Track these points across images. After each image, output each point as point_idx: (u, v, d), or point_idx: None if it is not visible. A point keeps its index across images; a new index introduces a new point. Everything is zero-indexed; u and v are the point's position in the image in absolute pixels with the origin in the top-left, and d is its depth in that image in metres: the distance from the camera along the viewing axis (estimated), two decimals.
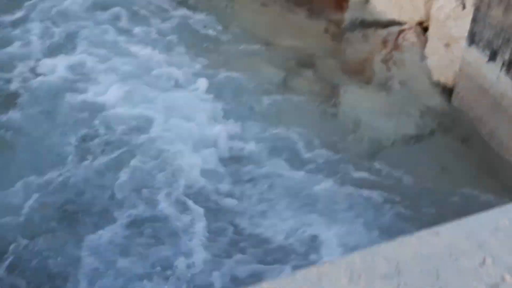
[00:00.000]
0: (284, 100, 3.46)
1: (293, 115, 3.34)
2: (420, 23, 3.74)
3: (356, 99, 3.45)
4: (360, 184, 2.80)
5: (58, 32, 4.04)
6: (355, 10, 4.13)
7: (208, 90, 3.48)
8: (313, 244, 2.43)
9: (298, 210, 2.62)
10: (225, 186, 2.76)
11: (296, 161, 2.96)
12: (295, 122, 3.24)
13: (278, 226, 2.52)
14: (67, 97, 3.39)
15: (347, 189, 2.77)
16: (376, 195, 2.71)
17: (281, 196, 2.69)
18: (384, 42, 3.80)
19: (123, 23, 4.14)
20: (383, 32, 3.85)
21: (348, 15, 4.15)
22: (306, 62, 3.84)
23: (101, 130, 3.12)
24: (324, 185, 2.78)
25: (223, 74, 3.64)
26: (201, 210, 2.59)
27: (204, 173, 2.81)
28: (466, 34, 3.18)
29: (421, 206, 2.64)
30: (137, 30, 4.07)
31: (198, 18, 4.24)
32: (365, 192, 2.73)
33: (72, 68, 3.66)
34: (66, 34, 4.04)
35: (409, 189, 2.78)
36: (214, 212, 2.60)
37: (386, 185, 2.80)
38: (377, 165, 2.94)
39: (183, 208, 2.59)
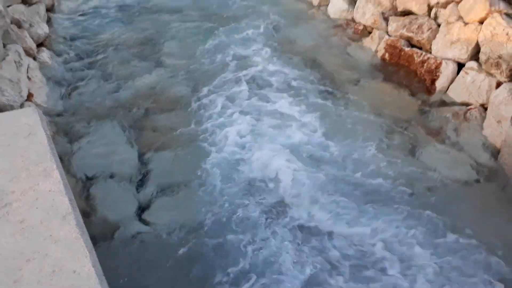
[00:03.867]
0: (381, 149, 4.74)
1: (385, 160, 4.57)
2: (482, 105, 5.03)
3: (433, 152, 4.75)
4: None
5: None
6: (439, 94, 5.54)
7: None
8: None
9: None
10: None
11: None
12: (384, 163, 4.51)
13: None
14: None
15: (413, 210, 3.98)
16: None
17: None
18: (456, 116, 5.17)
19: None
20: (456, 109, 5.23)
21: (434, 97, 5.54)
22: (401, 126, 5.09)
23: None
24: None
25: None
26: None
27: None
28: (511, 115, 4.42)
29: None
30: None
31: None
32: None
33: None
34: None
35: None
36: None
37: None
38: (433, 199, 4.16)
39: None
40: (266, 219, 3.86)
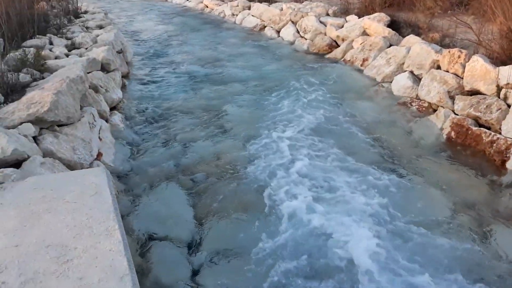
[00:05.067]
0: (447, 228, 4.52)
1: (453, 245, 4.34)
2: None
3: (504, 237, 4.42)
4: None
5: None
6: (510, 175, 5.26)
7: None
8: None
9: None
10: None
11: None
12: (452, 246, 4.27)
13: None
14: None
15: None
16: None
17: None
18: None
19: None
20: None
21: (505, 179, 5.26)
22: (469, 206, 4.88)
23: None
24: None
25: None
26: None
27: None
28: None
29: None
30: None
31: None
32: None
33: None
34: None
35: None
36: None
37: None
38: None
39: None
40: None
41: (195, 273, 4.00)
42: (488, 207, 4.95)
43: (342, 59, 9.91)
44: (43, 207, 2.84)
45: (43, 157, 4.17)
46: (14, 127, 4.32)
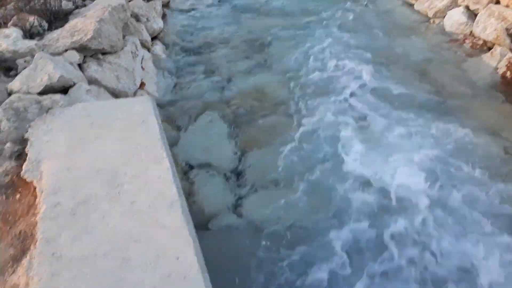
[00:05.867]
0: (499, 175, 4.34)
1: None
2: None
3: None
4: None
5: None
6: None
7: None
8: None
9: None
10: None
11: None
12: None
13: None
14: None
15: None
16: None
17: None
18: None
19: None
20: None
21: None
22: None
23: None
24: None
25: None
26: None
27: None
28: None
29: None
30: None
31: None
32: None
33: None
34: None
35: None
36: None
37: None
38: None
39: None
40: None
41: (237, 201, 4.05)
42: None
43: None
44: (92, 133, 2.87)
45: (88, 84, 4.19)
46: (59, 54, 4.32)
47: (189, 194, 4.02)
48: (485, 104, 5.56)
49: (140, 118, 3.03)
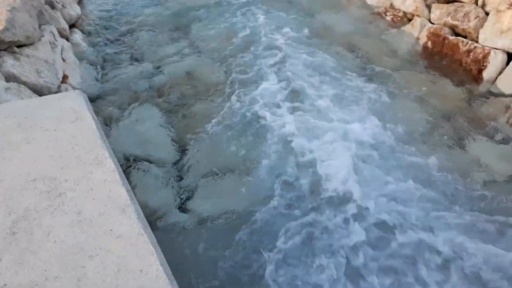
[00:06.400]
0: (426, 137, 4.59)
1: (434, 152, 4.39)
2: None
3: (481, 146, 4.52)
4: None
5: None
6: (486, 84, 5.32)
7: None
8: None
9: None
10: None
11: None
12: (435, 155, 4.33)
13: None
14: None
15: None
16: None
17: None
18: (506, 108, 4.96)
19: None
20: (505, 100, 5.05)
21: (481, 88, 5.33)
22: (446, 115, 4.92)
23: None
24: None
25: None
26: None
27: None
28: None
29: None
30: None
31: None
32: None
33: None
34: None
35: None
36: None
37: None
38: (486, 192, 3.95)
39: None
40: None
41: (180, 195, 3.88)
42: (465, 117, 4.99)
43: None
44: (20, 136, 2.59)
45: (6, 82, 3.81)
46: None
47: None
48: (409, 74, 5.77)
49: (73, 115, 2.77)
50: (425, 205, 3.82)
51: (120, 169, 2.29)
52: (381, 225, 3.61)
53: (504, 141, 4.66)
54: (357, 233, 3.48)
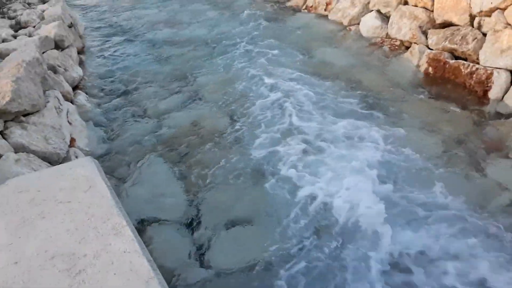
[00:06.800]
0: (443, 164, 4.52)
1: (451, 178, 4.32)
2: None
3: (498, 167, 4.46)
4: None
5: None
6: (493, 104, 5.33)
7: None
8: None
9: None
10: None
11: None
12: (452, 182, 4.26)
13: None
14: None
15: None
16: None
17: None
18: None
19: None
20: None
21: (489, 108, 5.32)
22: (458, 140, 4.89)
23: None
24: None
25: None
26: None
27: None
28: None
29: None
30: None
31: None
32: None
33: None
34: None
35: None
36: None
37: None
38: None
39: None
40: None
41: (199, 251, 3.80)
42: (477, 139, 4.96)
43: (304, 6, 9.54)
44: (35, 211, 2.55)
45: (15, 152, 3.80)
46: None
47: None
48: (414, 102, 5.76)
49: (86, 183, 2.74)
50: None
51: (139, 237, 2.23)
52: None
53: None
54: None
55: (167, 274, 3.54)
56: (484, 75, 5.50)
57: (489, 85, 5.43)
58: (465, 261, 3.48)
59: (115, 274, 2.00)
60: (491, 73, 5.42)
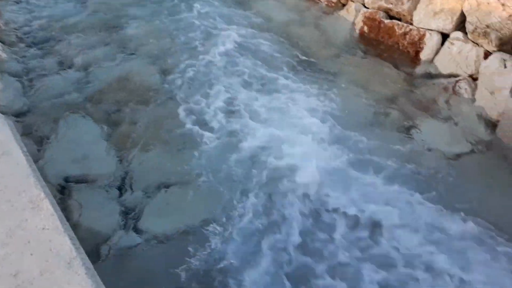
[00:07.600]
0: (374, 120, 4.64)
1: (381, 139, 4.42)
2: (471, 76, 4.94)
3: (427, 127, 4.58)
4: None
5: None
6: (424, 65, 5.40)
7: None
8: None
9: None
10: None
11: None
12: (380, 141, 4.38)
13: None
14: None
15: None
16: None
17: None
18: (445, 89, 5.06)
19: None
20: (444, 81, 5.13)
21: (420, 69, 5.40)
22: (389, 100, 4.95)
23: None
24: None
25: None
26: None
27: None
28: (507, 85, 4.36)
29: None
30: None
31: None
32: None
33: None
34: None
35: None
36: None
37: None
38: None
39: None
40: None
41: (129, 214, 3.63)
42: (407, 99, 5.05)
43: None
44: None
45: None
46: None
47: (68, 219, 3.47)
48: (348, 61, 5.75)
49: None
50: None
51: (60, 211, 2.03)
52: None
53: (444, 121, 4.76)
54: None
55: (97, 240, 3.36)
56: (417, 36, 5.55)
57: (421, 46, 5.50)
58: None
59: (31, 254, 1.81)
60: (424, 35, 5.47)
